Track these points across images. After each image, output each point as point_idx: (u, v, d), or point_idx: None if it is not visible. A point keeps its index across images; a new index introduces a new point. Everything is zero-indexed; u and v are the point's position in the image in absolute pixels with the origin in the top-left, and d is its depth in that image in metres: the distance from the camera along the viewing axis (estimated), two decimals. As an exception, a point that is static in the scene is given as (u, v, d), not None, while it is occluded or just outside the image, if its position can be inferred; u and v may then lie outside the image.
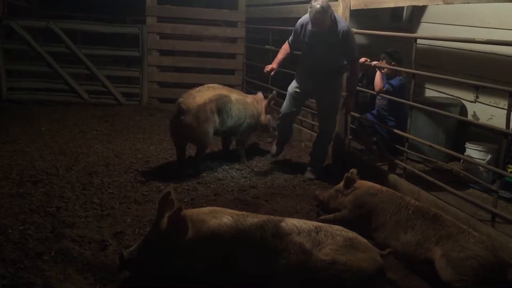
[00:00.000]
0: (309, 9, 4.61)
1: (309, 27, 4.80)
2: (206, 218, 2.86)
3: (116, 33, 8.64)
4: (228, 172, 5.11)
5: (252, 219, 2.91)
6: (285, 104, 5.20)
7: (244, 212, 3.07)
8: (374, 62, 5.12)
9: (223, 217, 2.87)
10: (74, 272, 2.93)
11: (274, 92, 5.79)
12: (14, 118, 6.94)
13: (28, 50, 8.15)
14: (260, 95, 5.87)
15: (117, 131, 6.62)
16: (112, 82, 8.39)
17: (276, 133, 5.52)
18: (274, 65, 5.04)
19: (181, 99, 4.80)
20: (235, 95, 5.32)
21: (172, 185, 4.50)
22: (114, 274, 2.90)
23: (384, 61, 5.14)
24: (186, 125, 4.72)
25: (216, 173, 5.06)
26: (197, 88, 5.11)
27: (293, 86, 5.15)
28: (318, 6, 4.49)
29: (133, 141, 6.18)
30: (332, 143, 5.43)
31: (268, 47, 7.83)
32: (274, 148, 5.45)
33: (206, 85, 5.24)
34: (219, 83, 5.68)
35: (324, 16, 4.54)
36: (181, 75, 8.64)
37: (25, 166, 4.86)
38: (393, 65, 5.03)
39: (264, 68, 5.07)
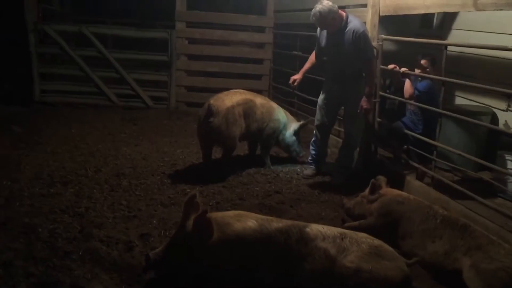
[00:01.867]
0: None
1: (325, 32, 4.84)
2: (231, 221, 2.87)
3: (145, 38, 8.78)
4: (253, 177, 5.11)
5: (277, 223, 2.91)
6: (316, 116, 5.21)
7: (269, 217, 3.08)
8: (403, 69, 5.04)
9: (248, 221, 2.88)
10: (101, 271, 2.99)
11: (310, 119, 5.75)
12: (46, 120, 7.13)
13: (61, 54, 8.37)
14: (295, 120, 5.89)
15: (145, 134, 6.71)
16: (141, 85, 8.51)
17: (301, 155, 5.60)
18: (298, 75, 5.15)
19: (211, 101, 4.84)
20: (260, 100, 5.37)
21: (197, 188, 4.53)
22: (140, 275, 2.94)
23: (426, 60, 5.01)
24: (215, 127, 4.76)
25: (241, 177, 5.07)
26: (225, 92, 5.16)
27: (320, 97, 5.16)
28: (316, 10, 4.56)
29: (160, 144, 6.26)
30: (358, 149, 5.38)
31: (295, 53, 7.82)
32: (308, 171, 5.29)
33: (232, 90, 5.31)
34: (246, 88, 5.73)
35: (322, 20, 4.58)
36: (208, 79, 8.71)
37: (56, 167, 4.98)
38: (435, 68, 4.94)
39: (291, 77, 5.18)
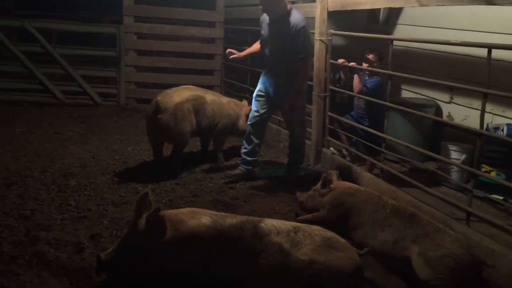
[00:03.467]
0: None
1: (267, 20, 4.76)
2: (184, 218, 2.84)
3: (92, 33, 8.53)
4: (207, 173, 5.08)
5: (231, 219, 2.90)
6: (251, 109, 5.03)
7: (223, 213, 3.07)
8: (351, 63, 5.14)
9: (202, 218, 2.86)
10: (49, 275, 2.88)
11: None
12: (-13, 119, 6.79)
13: (2, 50, 7.97)
14: (244, 102, 5.84)
15: (94, 132, 6.53)
16: (89, 82, 8.28)
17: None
18: (238, 53, 5.12)
19: (159, 98, 4.78)
20: (210, 96, 5.34)
21: (150, 186, 4.45)
22: (91, 277, 2.86)
23: (373, 55, 5.12)
24: (163, 124, 4.70)
25: (194, 174, 5.03)
26: (174, 88, 5.10)
27: (257, 88, 4.99)
28: None
29: (110, 142, 6.10)
30: (310, 142, 5.45)
31: (246, 48, 7.82)
32: (238, 170, 4.99)
33: (182, 86, 5.24)
34: (197, 84, 5.69)
35: (269, 1, 4.57)
36: (159, 75, 8.58)
37: (-1, 168, 4.76)
38: (382, 63, 5.07)
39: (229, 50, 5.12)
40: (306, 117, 5.21)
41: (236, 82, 7.96)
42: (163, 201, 4.19)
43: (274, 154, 6.07)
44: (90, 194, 4.27)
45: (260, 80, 4.99)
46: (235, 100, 5.79)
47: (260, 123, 4.94)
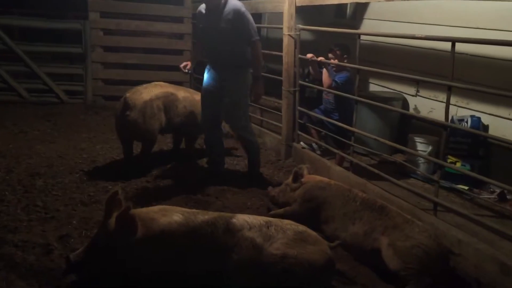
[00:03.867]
0: None
1: (203, 11, 4.58)
2: (155, 216, 2.81)
3: (56, 29, 8.32)
4: (178, 170, 5.04)
5: (203, 216, 2.89)
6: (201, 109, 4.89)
7: (194, 210, 3.05)
8: (320, 58, 5.17)
9: (173, 215, 2.83)
10: (17, 278, 2.81)
11: None
12: None
13: (-39, 47, 7.72)
14: None
15: (60, 131, 6.39)
16: (54, 79, 8.08)
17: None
18: (189, 62, 4.86)
19: (127, 94, 4.72)
20: (182, 93, 5.26)
21: (119, 185, 4.39)
22: (60, 279, 2.80)
23: (338, 51, 5.15)
24: (131, 121, 4.64)
25: (165, 171, 4.98)
26: (144, 85, 5.03)
27: (202, 87, 4.84)
28: None
29: (77, 140, 5.98)
30: (280, 139, 5.45)
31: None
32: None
33: (153, 83, 5.16)
34: (166, 80, 5.61)
35: None
36: (126, 72, 8.43)
37: (-39, 170, 4.61)
38: (345, 57, 5.11)
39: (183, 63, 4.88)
40: (275, 111, 5.21)
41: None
42: (134, 200, 4.14)
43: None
44: (57, 194, 4.18)
45: (205, 77, 4.80)
46: None
47: (211, 125, 4.82)
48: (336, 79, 5.08)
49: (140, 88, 4.93)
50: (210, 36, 4.55)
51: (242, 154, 5.62)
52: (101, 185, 4.45)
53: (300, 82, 5.61)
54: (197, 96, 5.40)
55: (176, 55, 8.67)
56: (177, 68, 8.03)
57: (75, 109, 7.72)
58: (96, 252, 2.69)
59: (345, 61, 5.10)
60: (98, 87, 8.26)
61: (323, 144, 5.39)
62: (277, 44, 5.82)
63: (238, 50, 4.49)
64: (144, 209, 2.97)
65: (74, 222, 3.62)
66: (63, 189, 4.30)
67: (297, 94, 5.55)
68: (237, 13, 4.35)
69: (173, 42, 8.74)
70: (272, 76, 6.23)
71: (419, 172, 4.75)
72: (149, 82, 5.21)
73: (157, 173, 4.89)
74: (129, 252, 2.68)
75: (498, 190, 4.42)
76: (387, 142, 4.50)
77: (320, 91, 5.66)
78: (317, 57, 5.28)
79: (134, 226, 2.67)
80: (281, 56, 5.60)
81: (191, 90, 5.71)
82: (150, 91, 4.89)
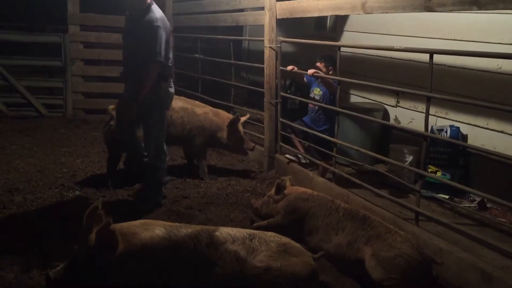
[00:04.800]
0: None
1: (128, 15, 4.25)
2: (137, 230, 2.78)
3: (35, 42, 8.23)
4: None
5: (186, 229, 2.87)
6: None
7: (177, 223, 3.02)
8: (310, 71, 5.08)
9: (155, 229, 2.80)
10: (-5, 297, 2.74)
11: (238, 114, 5.37)
12: None
13: None
14: (228, 114, 5.53)
15: (40, 145, 6.29)
16: (33, 93, 7.98)
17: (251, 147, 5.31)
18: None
19: (111, 107, 4.74)
20: (180, 104, 5.22)
21: (100, 199, 4.33)
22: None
23: (323, 63, 5.15)
24: (114, 131, 4.63)
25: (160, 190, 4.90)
26: None
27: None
28: None
29: (57, 155, 5.89)
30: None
31: (197, 55, 7.79)
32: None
33: None
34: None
35: None
36: (107, 85, 8.34)
37: None
38: (330, 69, 5.10)
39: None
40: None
41: (188, 91, 7.89)
42: (115, 214, 4.06)
43: (228, 161, 6.05)
44: (37, 210, 4.10)
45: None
46: (217, 111, 5.50)
47: (117, 145, 4.52)
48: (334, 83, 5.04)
49: None
50: (124, 45, 4.29)
51: (227, 166, 5.62)
52: (81, 199, 4.38)
53: (282, 93, 5.64)
54: (199, 109, 5.32)
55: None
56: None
57: (55, 123, 7.61)
58: (77, 268, 2.64)
59: (330, 72, 5.10)
60: (78, 101, 8.18)
61: (306, 155, 5.40)
62: (258, 56, 5.85)
63: (144, 65, 4.00)
64: (126, 224, 2.93)
65: (54, 238, 3.55)
66: (43, 205, 4.23)
67: (279, 105, 5.58)
68: (149, 25, 3.96)
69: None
70: (254, 88, 6.26)
71: (400, 182, 4.78)
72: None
73: (139, 186, 4.83)
74: (111, 267, 2.64)
75: (478, 199, 4.47)
76: (368, 152, 4.54)
77: (302, 103, 5.69)
78: (298, 69, 5.31)
79: (114, 242, 2.63)
80: (263, 68, 5.62)
81: (195, 103, 5.55)
82: None
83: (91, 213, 2.72)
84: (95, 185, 4.78)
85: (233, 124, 5.24)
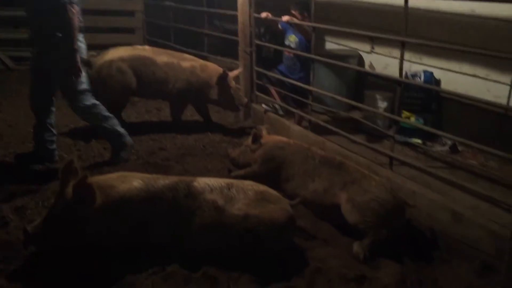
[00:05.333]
0: None
1: None
2: (114, 183, 2.77)
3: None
4: (135, 136, 4.93)
5: (164, 180, 2.87)
6: None
7: (154, 175, 3.02)
8: (285, 17, 5.00)
9: (133, 181, 2.80)
10: (-27, 253, 2.73)
11: (226, 69, 5.13)
12: None
13: None
14: (219, 69, 5.23)
15: (8, 99, 6.11)
16: (-1, 45, 7.68)
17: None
18: None
19: (91, 54, 4.80)
20: (164, 58, 5.07)
21: (75, 153, 4.29)
22: (19, 251, 2.73)
23: (297, 10, 5.06)
24: (91, 81, 4.55)
25: (122, 138, 4.86)
26: (123, 47, 5.05)
27: None
28: None
29: (27, 109, 5.61)
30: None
31: (168, 3, 7.55)
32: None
33: (137, 46, 5.21)
34: (118, 43, 5.43)
35: None
36: (76, 35, 8.06)
37: None
38: (305, 16, 5.00)
39: None
40: None
41: (160, 40, 7.69)
42: (91, 167, 4.05)
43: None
44: (10, 165, 4.03)
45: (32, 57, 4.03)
46: (205, 64, 5.27)
47: (38, 111, 4.10)
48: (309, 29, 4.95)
49: (112, 49, 4.97)
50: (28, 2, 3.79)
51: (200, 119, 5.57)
52: (56, 153, 4.32)
53: (257, 41, 5.54)
54: (185, 63, 5.14)
55: (127, 16, 8.36)
56: (129, 30, 7.68)
57: (23, 76, 7.31)
58: (55, 222, 2.63)
59: (306, 19, 4.99)
60: (46, 52, 7.89)
61: (283, 104, 5.39)
62: (232, 3, 5.70)
63: (52, 12, 3.65)
64: (102, 177, 2.91)
65: (30, 193, 3.52)
66: (16, 160, 4.15)
67: (253, 54, 5.50)
68: None
69: (124, 3, 8.39)
70: (228, 36, 6.14)
71: (375, 128, 4.85)
72: (100, 45, 5.06)
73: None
74: (89, 221, 2.64)
75: (450, 142, 4.58)
76: (343, 99, 4.56)
77: (277, 51, 5.62)
78: (273, 16, 5.20)
79: (92, 195, 2.62)
80: (236, 16, 5.49)
81: (182, 56, 5.29)
82: (116, 53, 4.88)
83: (66, 167, 2.69)
84: (70, 139, 4.71)
85: (221, 80, 5.09)
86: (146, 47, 5.24)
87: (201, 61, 5.32)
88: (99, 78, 4.72)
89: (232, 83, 5.18)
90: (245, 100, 5.30)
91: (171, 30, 7.54)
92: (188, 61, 5.19)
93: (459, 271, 2.89)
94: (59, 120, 5.32)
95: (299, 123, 5.09)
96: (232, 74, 5.17)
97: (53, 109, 4.16)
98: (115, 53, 4.90)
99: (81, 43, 3.98)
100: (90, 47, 4.98)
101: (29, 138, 4.68)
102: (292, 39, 5.17)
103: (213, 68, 5.25)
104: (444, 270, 2.94)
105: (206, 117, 5.45)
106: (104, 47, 5.42)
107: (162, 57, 5.08)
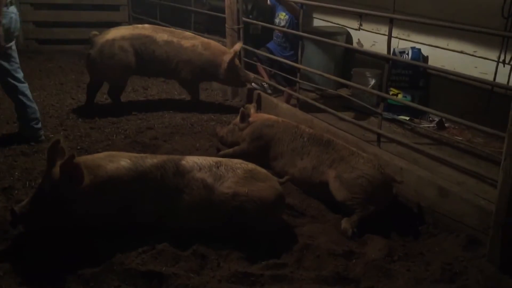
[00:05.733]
0: None
1: None
2: (102, 163, 2.74)
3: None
4: (122, 115, 4.90)
5: (152, 159, 2.85)
6: None
7: (142, 154, 3.00)
8: None
9: (120, 161, 2.78)
10: (-40, 235, 2.71)
11: (237, 46, 5.04)
12: None
13: None
14: (220, 45, 5.22)
15: (-8, 79, 5.99)
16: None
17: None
18: None
19: (93, 33, 4.82)
20: (165, 37, 4.97)
21: (62, 133, 4.25)
22: (7, 231, 2.72)
23: None
24: (91, 59, 4.77)
25: (109, 117, 4.83)
26: (125, 26, 5.13)
27: None
28: None
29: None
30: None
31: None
32: None
33: (140, 25, 5.13)
34: (102, 20, 5.34)
35: None
36: (58, 13, 7.87)
37: None
38: None
39: None
40: None
41: (146, 18, 7.56)
42: (78, 147, 4.01)
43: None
44: (-5, 146, 3.99)
45: None
46: (208, 42, 5.15)
47: None
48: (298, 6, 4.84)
49: (114, 29, 4.98)
50: None
51: (186, 96, 5.53)
52: (42, 133, 4.27)
53: (244, 19, 5.48)
54: (186, 42, 5.03)
55: (112, -6, 8.19)
56: (114, 7, 7.56)
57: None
58: (42, 202, 2.62)
59: None
60: (29, 30, 7.73)
61: (272, 83, 5.36)
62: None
63: None
64: (90, 157, 2.89)
65: (16, 173, 3.48)
66: (1, 140, 4.10)
67: (241, 31, 5.43)
68: None
69: (108, -20, 8.22)
70: (215, 13, 6.06)
71: (363, 105, 4.86)
72: (85, 23, 4.98)
73: (100, 119, 4.73)
74: (77, 201, 2.62)
75: (437, 119, 4.62)
76: (332, 77, 4.55)
77: (265, 28, 5.56)
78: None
79: (79, 175, 2.59)
80: (223, -8, 5.41)
81: (183, 34, 5.18)
82: (118, 32, 4.86)
83: (52, 146, 2.66)
84: (55, 119, 4.66)
85: (231, 62, 4.96)
86: (146, 25, 5.16)
87: (203, 39, 5.21)
88: (101, 57, 4.70)
89: (237, 61, 5.09)
90: (252, 76, 5.22)
91: (157, 7, 7.41)
92: (189, 40, 5.08)
93: (445, 245, 2.94)
94: (45, 99, 5.27)
95: (287, 101, 5.08)
96: (235, 50, 5.02)
97: None
98: (117, 32, 4.84)
99: (13, 14, 3.90)
100: (74, 24, 4.91)
101: (13, 118, 4.61)
102: (282, 16, 5.12)
103: (215, 46, 5.15)
104: (430, 244, 2.99)
105: (194, 97, 5.33)
106: (89, 24, 5.37)
107: (162, 35, 4.99)
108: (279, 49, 5.19)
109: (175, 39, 5.02)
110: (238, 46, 5.07)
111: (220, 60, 5.00)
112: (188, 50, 5.00)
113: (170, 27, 5.60)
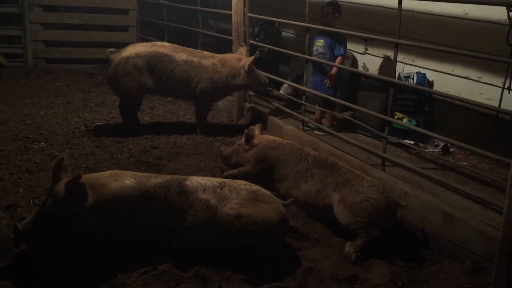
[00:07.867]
0: None
1: None
2: (107, 181, 2.75)
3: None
4: (128, 134, 4.92)
5: (156, 179, 2.86)
6: None
7: (147, 173, 3.01)
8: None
9: (125, 179, 2.78)
10: (-37, 251, 2.70)
11: (257, 53, 5.01)
12: None
13: None
14: (235, 55, 5.21)
15: (0, 97, 6.06)
16: (-10, 42, 7.60)
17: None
18: None
19: (109, 50, 4.94)
20: (184, 56, 4.95)
21: (67, 151, 4.27)
22: (9, 249, 2.71)
23: (330, 9, 4.85)
24: (108, 77, 4.97)
25: (115, 135, 4.85)
26: (142, 43, 5.15)
27: None
28: None
29: (19, 106, 5.71)
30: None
31: (162, 1, 7.52)
32: None
33: (158, 43, 5.10)
34: (111, 40, 5.42)
35: None
36: (68, 33, 8.01)
37: None
38: (336, 17, 4.87)
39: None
40: None
41: (153, 39, 7.66)
42: (83, 166, 4.03)
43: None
44: (1, 163, 4.00)
45: None
46: (224, 58, 5.08)
47: None
48: (342, 52, 4.87)
49: (130, 46, 5.03)
50: None
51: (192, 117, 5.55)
52: (47, 151, 4.30)
53: (251, 41, 5.54)
54: (206, 62, 5.00)
55: (121, 14, 8.32)
56: (123, 28, 7.66)
57: (15, 73, 7.32)
58: (46, 220, 2.61)
59: (337, 20, 4.89)
60: (38, 49, 7.85)
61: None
62: (226, 2, 5.69)
63: None
64: (94, 175, 2.89)
65: (21, 190, 3.49)
66: (7, 157, 4.12)
67: (248, 54, 5.48)
68: None
69: (117, 1, 8.35)
70: (222, 35, 6.13)
71: (368, 129, 4.86)
72: (94, 43, 5.04)
73: (106, 138, 4.76)
74: (80, 219, 2.62)
75: (442, 144, 4.60)
76: (337, 100, 4.56)
77: (271, 51, 5.59)
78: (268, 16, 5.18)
79: (83, 194, 2.60)
80: (231, 15, 5.48)
81: (202, 54, 5.13)
82: (134, 49, 4.88)
83: (57, 165, 2.67)
84: (61, 137, 4.69)
85: (250, 70, 4.94)
86: (166, 43, 5.12)
87: (219, 56, 5.16)
88: (115, 75, 4.77)
89: (254, 67, 5.03)
90: (267, 80, 5.16)
91: (165, 28, 7.51)
92: (208, 59, 5.05)
93: (450, 271, 2.90)
94: (51, 118, 5.32)
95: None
96: (251, 60, 4.94)
97: None
98: (132, 50, 4.87)
99: None
100: (83, 44, 4.98)
101: (20, 135, 4.67)
102: (320, 43, 4.96)
103: (231, 59, 5.11)
104: (435, 270, 2.96)
105: (201, 119, 5.23)
106: (97, 44, 5.41)
107: (181, 54, 4.98)
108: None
109: (195, 59, 5.00)
110: (255, 56, 4.95)
111: (239, 68, 4.97)
112: (208, 69, 4.97)
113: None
